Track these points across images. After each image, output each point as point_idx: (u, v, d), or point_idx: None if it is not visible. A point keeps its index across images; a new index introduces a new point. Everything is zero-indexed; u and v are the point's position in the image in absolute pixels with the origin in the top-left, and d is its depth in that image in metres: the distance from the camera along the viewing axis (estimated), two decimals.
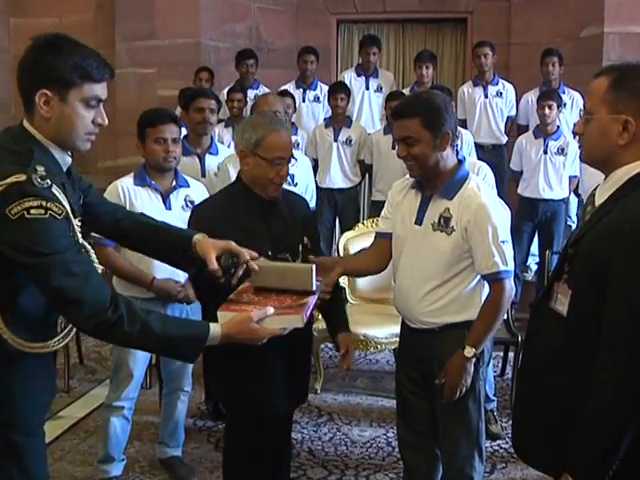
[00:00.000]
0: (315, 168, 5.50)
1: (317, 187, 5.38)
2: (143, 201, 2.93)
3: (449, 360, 2.30)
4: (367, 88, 6.04)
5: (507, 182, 5.57)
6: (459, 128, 3.90)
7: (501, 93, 5.89)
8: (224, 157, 3.62)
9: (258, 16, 6.74)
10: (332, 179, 5.46)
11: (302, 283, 1.93)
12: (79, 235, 1.68)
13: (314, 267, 1.94)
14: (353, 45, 7.04)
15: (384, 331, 3.82)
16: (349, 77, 6.07)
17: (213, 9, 6.41)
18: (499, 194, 3.92)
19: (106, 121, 1.70)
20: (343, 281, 4.26)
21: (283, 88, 5.52)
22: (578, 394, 1.57)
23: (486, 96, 5.87)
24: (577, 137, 1.81)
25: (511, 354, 4.22)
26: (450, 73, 7.09)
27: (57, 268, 1.56)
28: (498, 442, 3.50)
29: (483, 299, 2.37)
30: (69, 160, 1.74)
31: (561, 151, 5.12)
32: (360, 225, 4.46)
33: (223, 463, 2.55)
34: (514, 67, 6.42)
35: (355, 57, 6.87)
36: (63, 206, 1.58)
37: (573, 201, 5.43)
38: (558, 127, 5.15)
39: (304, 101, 5.96)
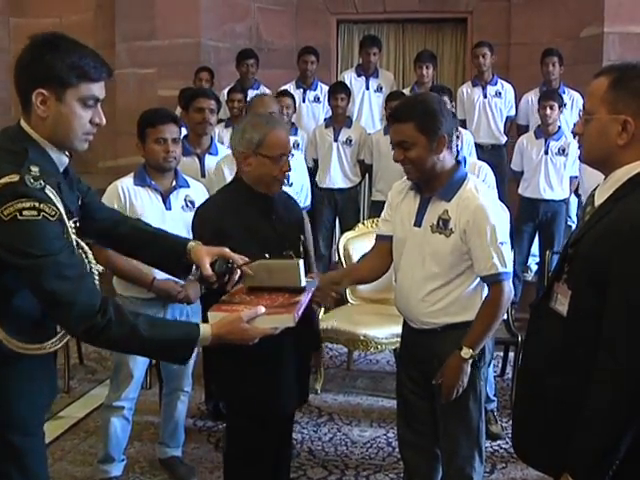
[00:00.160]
0: (315, 168, 5.51)
1: (317, 187, 5.42)
2: (143, 201, 2.93)
3: (446, 360, 2.30)
4: (367, 88, 6.04)
5: (507, 182, 5.57)
6: (459, 128, 3.93)
7: (500, 93, 5.88)
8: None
9: (258, 16, 6.74)
10: (332, 179, 5.45)
11: (290, 279, 1.92)
12: (74, 236, 1.66)
13: (301, 262, 1.94)
14: (353, 45, 7.03)
15: (384, 331, 3.82)
16: (349, 77, 6.06)
17: (213, 9, 6.41)
18: (499, 194, 3.95)
19: (104, 121, 1.69)
20: None
21: (283, 88, 5.51)
22: (578, 394, 1.57)
23: (485, 96, 5.87)
24: (577, 137, 1.80)
25: (511, 354, 4.22)
26: (450, 73, 7.08)
27: (49, 271, 1.55)
28: (498, 442, 3.50)
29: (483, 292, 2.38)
30: (66, 160, 1.73)
31: (562, 151, 5.12)
32: (360, 225, 4.46)
33: (224, 463, 2.55)
34: (514, 67, 6.41)
35: (355, 57, 6.87)
36: (57, 207, 1.56)
37: (573, 201, 5.43)
38: (559, 127, 5.15)
39: (304, 101, 5.96)
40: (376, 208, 4.95)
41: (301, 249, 2.41)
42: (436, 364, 2.34)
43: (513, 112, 5.94)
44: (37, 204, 1.52)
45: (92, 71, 1.63)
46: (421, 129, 2.21)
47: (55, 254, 1.56)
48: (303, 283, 1.93)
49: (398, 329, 3.78)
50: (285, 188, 2.82)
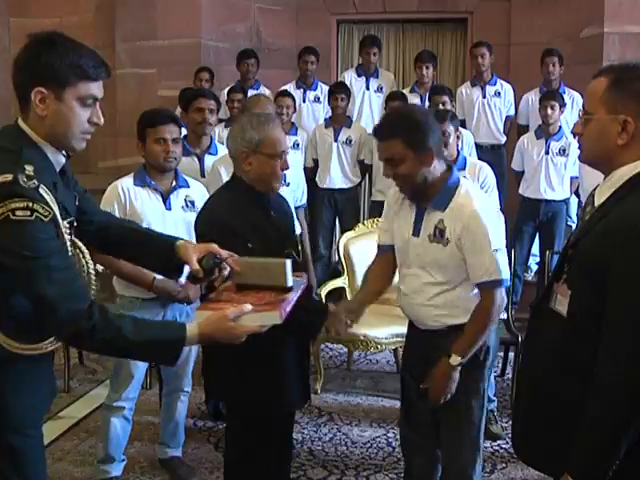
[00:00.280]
0: (315, 168, 5.51)
1: (317, 187, 5.42)
2: (143, 201, 2.93)
3: (436, 366, 2.31)
4: (367, 88, 6.04)
5: (507, 182, 5.56)
6: (460, 128, 3.93)
7: (499, 93, 5.88)
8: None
9: (258, 16, 6.74)
10: (332, 179, 5.45)
11: (277, 279, 1.90)
12: (68, 236, 1.65)
13: (288, 262, 1.92)
14: (353, 45, 7.03)
15: (384, 331, 3.82)
16: (349, 77, 6.06)
17: (213, 9, 6.41)
18: (499, 194, 3.95)
19: (102, 120, 1.68)
20: (343, 280, 4.28)
21: (283, 88, 5.51)
22: (578, 394, 1.57)
23: (484, 96, 5.87)
24: (577, 137, 1.80)
25: (511, 354, 4.22)
26: (450, 73, 7.08)
27: (39, 274, 1.54)
28: (498, 442, 3.50)
29: None
30: (63, 160, 1.72)
31: (563, 152, 5.11)
32: (360, 225, 4.46)
33: (224, 464, 2.55)
34: (514, 67, 6.40)
35: (355, 57, 6.87)
36: (50, 208, 1.55)
37: (573, 201, 5.42)
38: (560, 128, 5.14)
39: (304, 101, 5.96)
40: (376, 208, 4.96)
41: (299, 247, 2.42)
42: None
43: (512, 112, 5.94)
44: (30, 204, 1.51)
45: (91, 70, 1.63)
46: (408, 144, 2.19)
47: (46, 256, 1.54)
48: (290, 283, 1.91)
49: (398, 329, 3.81)
50: (283, 187, 2.83)
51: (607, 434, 1.52)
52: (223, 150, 3.84)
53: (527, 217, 5.28)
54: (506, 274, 2.27)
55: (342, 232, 4.95)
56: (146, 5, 6.26)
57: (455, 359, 2.27)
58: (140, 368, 3.02)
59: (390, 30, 7.12)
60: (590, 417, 1.54)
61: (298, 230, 4.04)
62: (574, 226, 5.04)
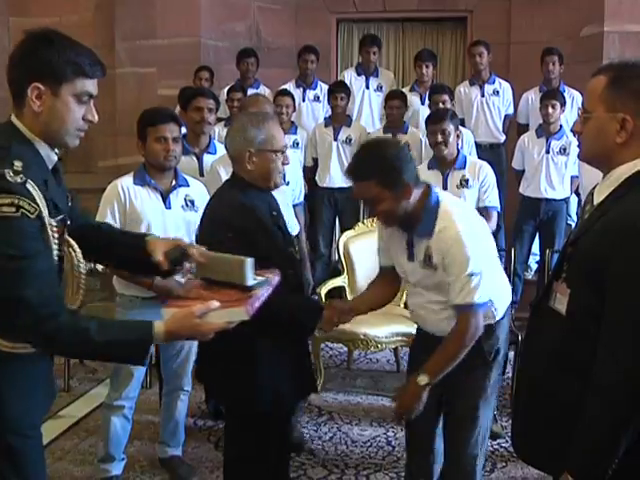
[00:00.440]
0: (315, 167, 5.51)
1: (317, 186, 5.42)
2: (143, 200, 2.93)
3: (403, 383, 2.32)
4: (367, 87, 6.03)
5: (507, 181, 5.56)
6: (460, 127, 3.93)
7: (498, 92, 5.87)
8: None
9: (258, 15, 6.74)
10: (332, 178, 5.44)
11: (236, 276, 1.89)
12: (55, 235, 1.63)
13: (250, 260, 1.89)
14: (353, 44, 7.03)
15: (384, 330, 3.81)
16: (349, 76, 6.06)
17: (213, 8, 6.41)
18: (499, 193, 3.95)
19: (96, 118, 1.68)
20: (343, 279, 4.28)
21: (283, 87, 5.51)
22: (577, 393, 1.57)
23: (483, 95, 5.86)
24: (577, 136, 1.80)
25: (511, 353, 4.21)
26: (450, 72, 7.08)
27: (23, 275, 1.52)
28: (498, 441, 3.50)
29: (502, 294, 2.42)
30: (55, 158, 1.71)
31: (563, 151, 5.11)
32: (360, 224, 4.45)
33: (224, 463, 2.55)
34: (514, 66, 6.40)
35: (355, 56, 6.87)
36: (36, 204, 1.54)
37: (573, 200, 5.42)
38: (561, 127, 5.14)
39: (304, 100, 5.96)
40: None
41: (296, 245, 2.43)
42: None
43: (511, 110, 5.94)
44: (16, 200, 1.50)
45: (87, 67, 1.64)
46: (384, 185, 2.16)
47: (32, 257, 1.53)
48: (249, 282, 1.87)
49: (398, 328, 3.81)
50: (283, 186, 2.83)
51: (606, 433, 1.52)
52: (222, 149, 3.84)
53: (527, 216, 5.28)
54: (483, 298, 2.22)
55: (342, 231, 4.95)
56: (145, 4, 6.26)
57: (423, 379, 2.24)
58: (140, 367, 3.02)
59: (390, 29, 7.12)
60: (589, 416, 1.54)
61: (297, 228, 4.05)
62: (574, 225, 5.05)
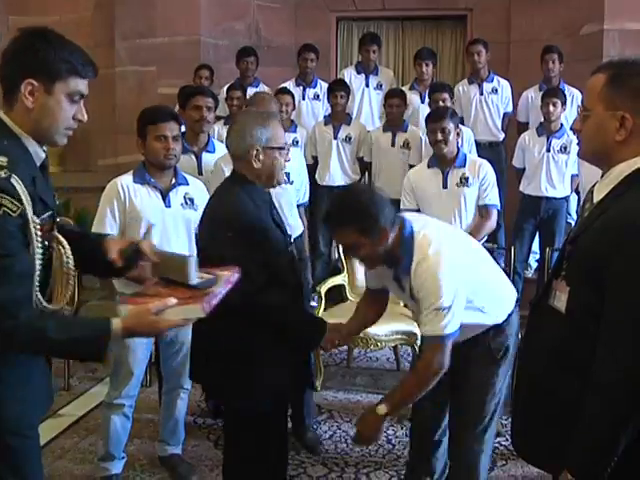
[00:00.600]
0: (315, 166, 5.50)
1: (317, 184, 5.42)
2: (142, 199, 2.93)
3: (364, 412, 2.32)
4: (367, 85, 6.03)
5: (506, 179, 5.56)
6: (459, 125, 3.93)
7: (496, 90, 5.86)
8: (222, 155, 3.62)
9: (257, 14, 6.74)
10: (332, 177, 5.45)
11: (182, 275, 1.88)
12: (35, 232, 1.61)
13: (193, 259, 1.87)
14: (353, 42, 7.03)
15: (384, 328, 3.81)
16: (349, 75, 6.05)
17: (212, 7, 6.41)
18: (499, 192, 3.95)
19: (85, 117, 1.70)
20: (343, 278, 4.28)
21: (283, 86, 5.50)
22: (577, 391, 1.57)
23: (481, 93, 5.86)
24: (576, 134, 1.80)
25: None
26: (450, 70, 7.09)
27: (1, 273, 1.51)
28: (498, 439, 3.49)
29: (502, 296, 2.43)
30: (43, 155, 1.72)
31: (564, 149, 5.10)
32: None
33: (223, 462, 2.55)
34: (514, 64, 6.41)
35: (355, 54, 6.87)
36: (19, 201, 1.54)
37: (573, 198, 5.42)
38: (561, 125, 5.14)
39: (304, 99, 5.95)
40: None
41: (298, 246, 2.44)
42: (461, 361, 2.33)
43: (510, 109, 5.93)
44: None
45: (80, 67, 1.65)
46: (360, 231, 2.16)
47: (13, 256, 1.53)
48: (192, 281, 1.85)
49: (398, 326, 3.82)
50: (287, 186, 2.84)
51: (606, 431, 1.52)
52: (221, 148, 3.84)
53: (527, 214, 5.28)
54: (450, 329, 2.17)
55: None
56: (145, 3, 6.26)
57: (382, 408, 2.22)
58: (140, 365, 3.02)
59: (390, 27, 7.12)
60: (589, 414, 1.54)
61: (301, 228, 4.05)
62: (574, 223, 5.05)
